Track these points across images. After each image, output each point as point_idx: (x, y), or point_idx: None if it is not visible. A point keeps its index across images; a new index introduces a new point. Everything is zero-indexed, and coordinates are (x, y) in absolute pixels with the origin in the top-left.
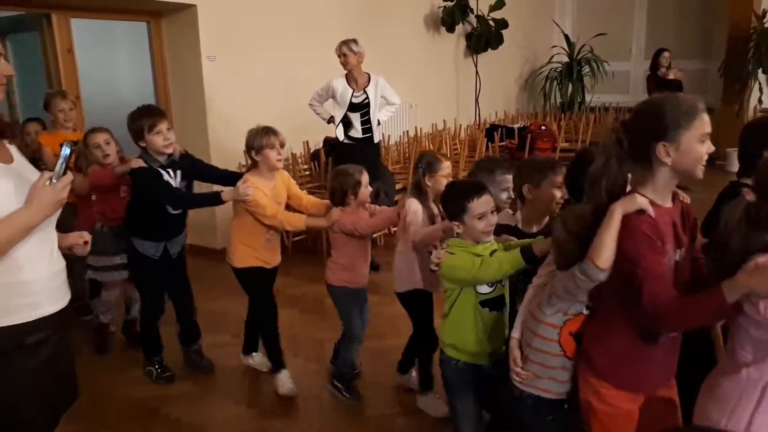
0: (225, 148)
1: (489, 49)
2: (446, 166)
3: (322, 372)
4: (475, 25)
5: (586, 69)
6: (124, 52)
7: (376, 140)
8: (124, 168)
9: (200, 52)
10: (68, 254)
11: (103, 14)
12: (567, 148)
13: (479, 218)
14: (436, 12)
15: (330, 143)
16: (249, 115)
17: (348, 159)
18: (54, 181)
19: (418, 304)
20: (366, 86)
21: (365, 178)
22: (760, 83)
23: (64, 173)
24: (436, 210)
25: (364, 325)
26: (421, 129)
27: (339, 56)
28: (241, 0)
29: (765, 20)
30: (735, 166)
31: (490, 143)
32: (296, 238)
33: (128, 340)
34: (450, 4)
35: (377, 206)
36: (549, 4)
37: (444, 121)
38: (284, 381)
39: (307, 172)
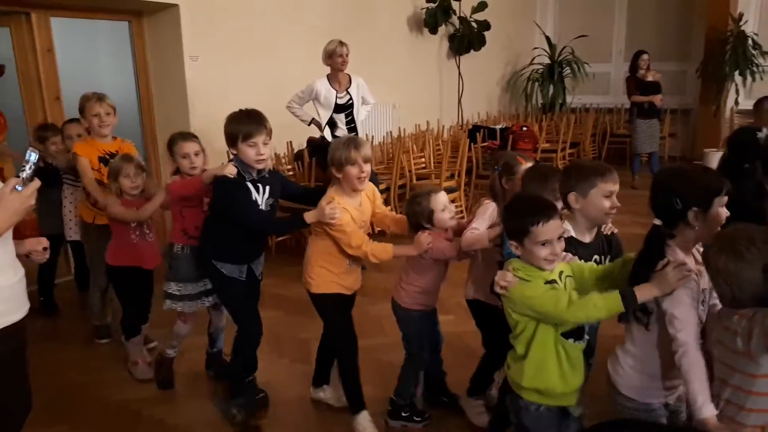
0: (208, 149)
1: (471, 51)
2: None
3: (308, 373)
4: (457, 27)
5: (567, 70)
6: (106, 51)
7: None
8: (215, 173)
9: (183, 51)
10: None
11: (84, 13)
12: (548, 148)
13: (542, 245)
14: (418, 13)
15: (313, 144)
16: None
17: None
18: (20, 187)
19: (484, 313)
20: (348, 87)
21: (439, 200)
22: (736, 85)
23: (31, 179)
24: None
25: (439, 344)
26: (404, 129)
27: (335, 55)
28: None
29: (741, 23)
30: (712, 166)
31: (472, 144)
32: (279, 239)
33: (216, 376)
34: (433, 5)
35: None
36: (531, 7)
37: (427, 121)
38: (365, 425)
39: (291, 173)
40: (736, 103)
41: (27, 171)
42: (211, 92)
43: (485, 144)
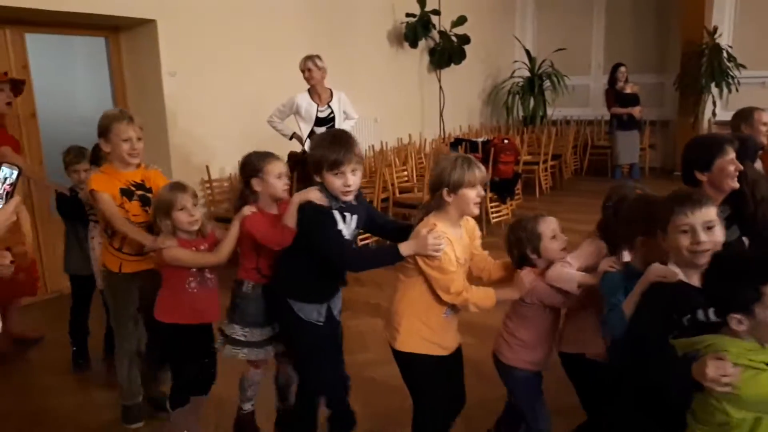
0: (187, 165)
1: (452, 64)
2: None
3: None
4: (437, 41)
5: (547, 83)
6: (82, 68)
7: None
8: (299, 199)
9: (161, 67)
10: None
11: (59, 29)
12: (530, 161)
13: None
14: (399, 27)
15: (294, 159)
16: (211, 131)
17: None
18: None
19: (586, 371)
20: (330, 101)
21: (549, 225)
22: (713, 96)
23: (11, 196)
24: (627, 257)
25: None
26: (386, 143)
27: (303, 71)
28: (202, 15)
29: (716, 36)
30: None
31: None
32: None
33: None
34: (413, 19)
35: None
36: (510, 20)
37: (409, 135)
38: None
39: None
40: (714, 114)
41: (7, 186)
42: (189, 108)
43: None
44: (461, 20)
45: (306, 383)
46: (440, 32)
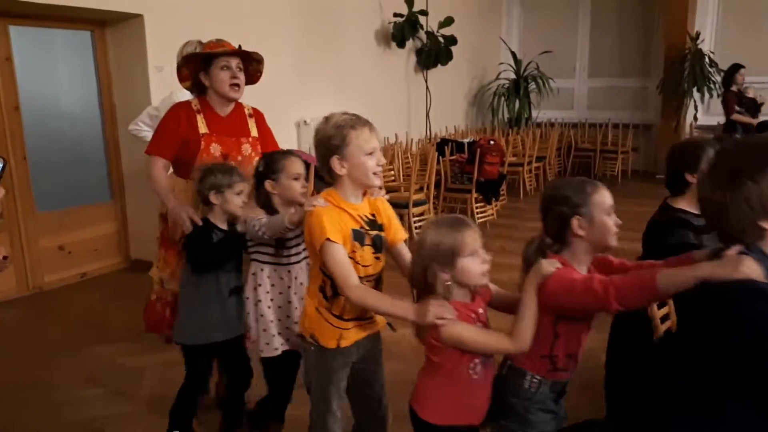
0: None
1: (439, 65)
2: None
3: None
4: (424, 41)
5: (532, 85)
6: (67, 61)
7: None
8: (717, 273)
9: (147, 62)
10: None
11: (44, 22)
12: (514, 162)
13: None
14: (386, 27)
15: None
16: None
17: None
18: None
19: None
20: None
21: None
22: (695, 101)
23: None
24: None
25: None
26: None
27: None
28: (189, 10)
29: (698, 42)
30: None
31: (441, 157)
32: None
33: None
34: (400, 20)
35: None
36: (496, 22)
37: (396, 135)
38: None
39: None
40: (695, 118)
41: None
42: None
43: (453, 157)
44: (448, 21)
45: None
46: (427, 33)
